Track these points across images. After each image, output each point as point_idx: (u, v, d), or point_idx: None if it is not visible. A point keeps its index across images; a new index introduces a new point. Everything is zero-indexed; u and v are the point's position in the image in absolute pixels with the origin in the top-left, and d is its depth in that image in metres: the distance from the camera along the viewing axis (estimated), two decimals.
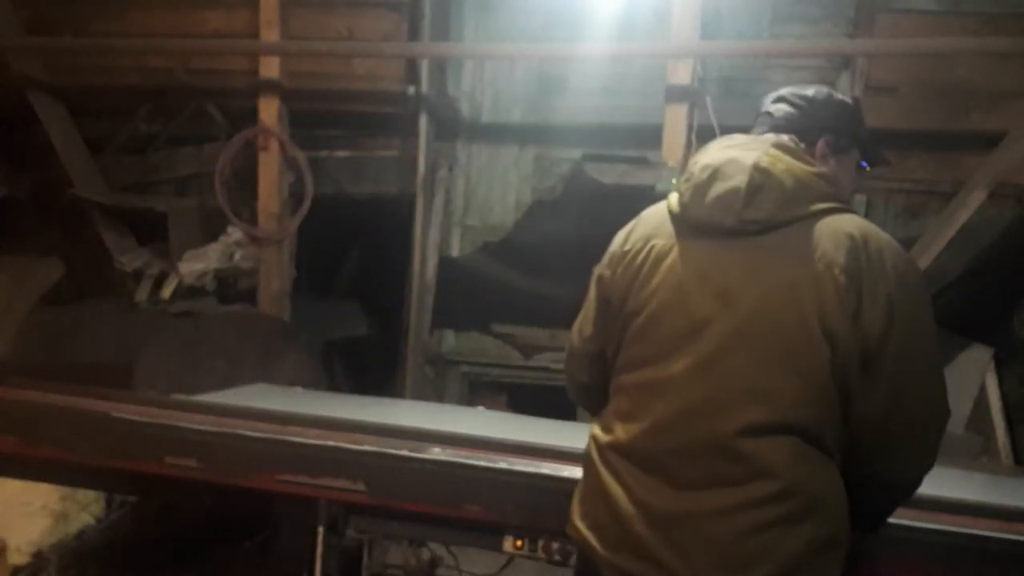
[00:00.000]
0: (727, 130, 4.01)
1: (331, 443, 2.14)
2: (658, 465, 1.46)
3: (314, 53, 4.15)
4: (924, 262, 3.35)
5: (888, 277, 1.40)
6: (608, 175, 4.31)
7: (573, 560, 1.99)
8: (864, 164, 1.69)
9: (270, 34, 4.05)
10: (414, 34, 4.18)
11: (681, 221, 1.54)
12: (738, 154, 1.50)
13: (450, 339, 4.62)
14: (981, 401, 3.76)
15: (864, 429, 1.43)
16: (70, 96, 4.39)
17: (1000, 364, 3.79)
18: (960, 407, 3.79)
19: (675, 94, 3.55)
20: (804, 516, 1.39)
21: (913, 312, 1.42)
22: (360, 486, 2.07)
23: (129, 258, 4.25)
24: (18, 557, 3.06)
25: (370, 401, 3.27)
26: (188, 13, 4.26)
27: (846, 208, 1.50)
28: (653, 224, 1.61)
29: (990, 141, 3.41)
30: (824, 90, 1.66)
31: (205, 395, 2.72)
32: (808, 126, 1.60)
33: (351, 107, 4.30)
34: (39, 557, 3.09)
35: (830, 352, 1.38)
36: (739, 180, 1.46)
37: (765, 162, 1.47)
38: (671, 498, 1.43)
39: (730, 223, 1.46)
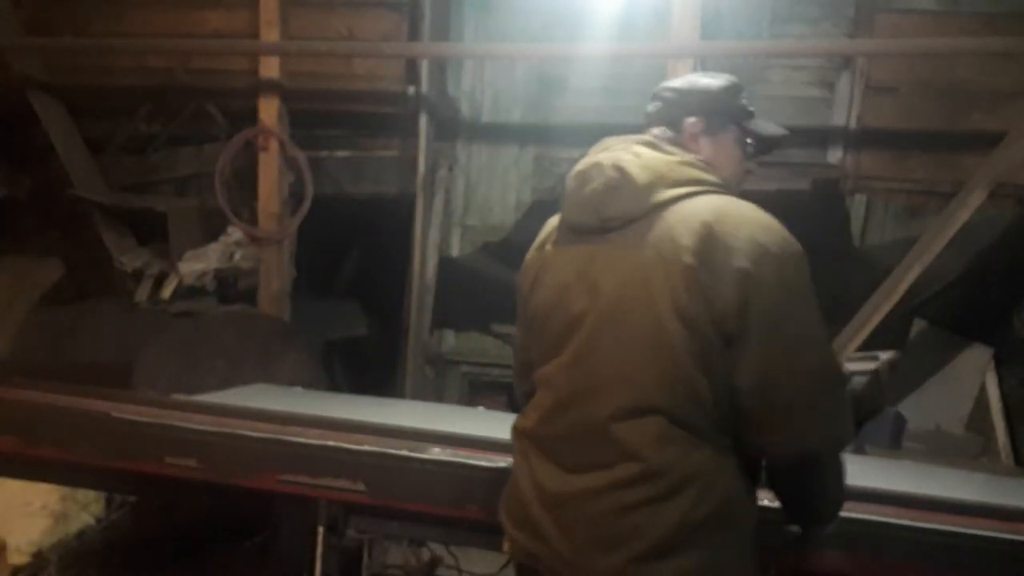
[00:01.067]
0: None
1: (331, 443, 2.14)
2: (550, 450, 1.57)
3: (314, 53, 4.15)
4: (924, 262, 3.35)
5: (741, 251, 1.43)
6: None
7: None
8: (751, 141, 1.70)
9: (270, 34, 4.05)
10: (414, 34, 4.19)
11: (563, 225, 1.65)
12: (602, 157, 1.60)
13: (450, 339, 4.62)
14: (981, 401, 3.76)
15: (746, 404, 1.45)
16: (70, 96, 4.40)
17: (1000, 364, 3.79)
18: (960, 407, 3.79)
19: None
20: (673, 495, 1.44)
21: (774, 283, 1.43)
22: (360, 486, 2.07)
23: (129, 258, 4.25)
24: (18, 557, 3.06)
25: (370, 401, 3.27)
26: (188, 13, 4.26)
27: (714, 189, 1.54)
28: (548, 231, 1.71)
29: (990, 141, 3.41)
30: (692, 78, 1.74)
31: (205, 395, 2.72)
32: (675, 114, 1.66)
33: (351, 107, 4.31)
34: (39, 557, 3.09)
35: (686, 333, 1.43)
36: (599, 182, 1.56)
37: (623, 161, 1.55)
38: (559, 481, 1.53)
39: (594, 223, 1.56)
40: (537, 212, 4.46)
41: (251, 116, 4.15)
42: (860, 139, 4.06)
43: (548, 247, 1.66)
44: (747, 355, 1.42)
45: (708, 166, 1.59)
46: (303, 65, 4.17)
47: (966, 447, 3.67)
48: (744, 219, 1.48)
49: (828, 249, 4.08)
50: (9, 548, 3.05)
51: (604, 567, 1.46)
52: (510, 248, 4.48)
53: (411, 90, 4.22)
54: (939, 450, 3.61)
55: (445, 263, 4.53)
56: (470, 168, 4.56)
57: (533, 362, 1.66)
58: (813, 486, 1.58)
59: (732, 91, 1.70)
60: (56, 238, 4.61)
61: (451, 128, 4.51)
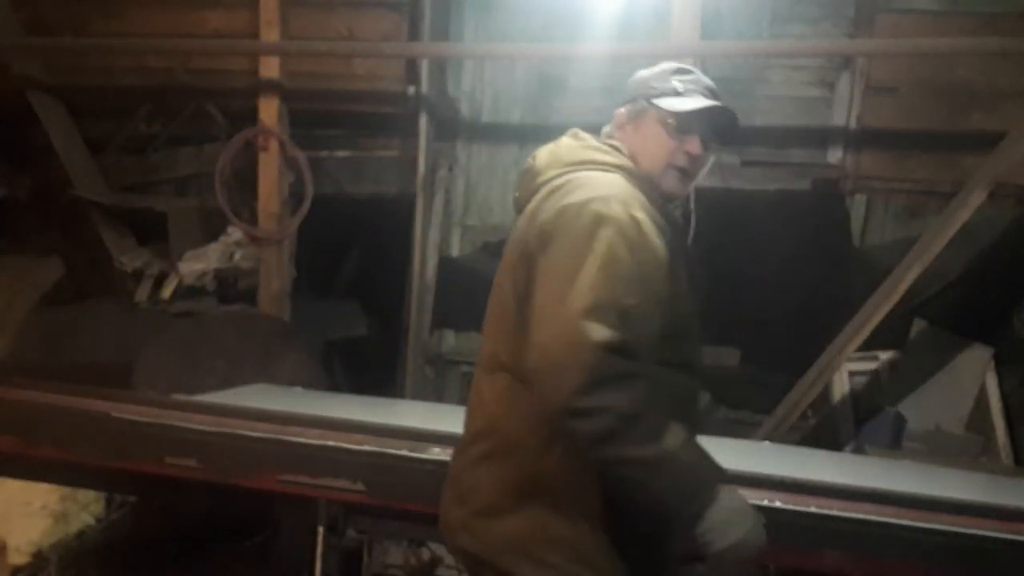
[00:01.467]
0: None
1: (331, 443, 2.14)
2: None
3: (314, 53, 4.15)
4: (924, 262, 3.35)
5: (551, 209, 1.47)
6: None
7: None
8: (672, 121, 1.64)
9: (270, 34, 4.05)
10: (414, 34, 4.18)
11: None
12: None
13: (450, 339, 4.62)
14: (981, 401, 3.76)
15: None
16: (70, 96, 4.40)
17: (1000, 364, 3.79)
18: (960, 407, 3.79)
19: None
20: (505, 453, 1.48)
21: (559, 238, 1.42)
22: (360, 486, 2.07)
23: (129, 258, 4.25)
24: (18, 557, 3.06)
25: (370, 401, 3.27)
26: (188, 13, 4.26)
27: (604, 168, 1.57)
28: None
29: (990, 141, 3.41)
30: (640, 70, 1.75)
31: (205, 395, 2.72)
32: (614, 109, 1.75)
33: (351, 107, 4.30)
34: (39, 557, 3.09)
35: (512, 291, 1.51)
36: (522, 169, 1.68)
37: (541, 150, 1.66)
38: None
39: (513, 204, 1.71)
40: None
41: (251, 116, 4.15)
42: (860, 139, 4.05)
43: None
44: (526, 319, 1.42)
45: (615, 149, 1.63)
46: (303, 65, 4.17)
47: (966, 447, 3.67)
48: (579, 187, 1.49)
49: (828, 249, 4.09)
50: (9, 548, 3.05)
51: (455, 520, 1.54)
52: None
53: (411, 90, 4.22)
54: (939, 450, 3.61)
55: (445, 263, 4.53)
56: (470, 168, 4.56)
57: None
58: (606, 455, 1.35)
59: (659, 75, 1.70)
60: (56, 238, 4.61)
61: (451, 128, 4.51)
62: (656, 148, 1.63)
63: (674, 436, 1.33)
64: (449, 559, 2.81)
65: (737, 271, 4.08)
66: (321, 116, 4.32)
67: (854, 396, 3.92)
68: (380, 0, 4.15)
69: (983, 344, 3.80)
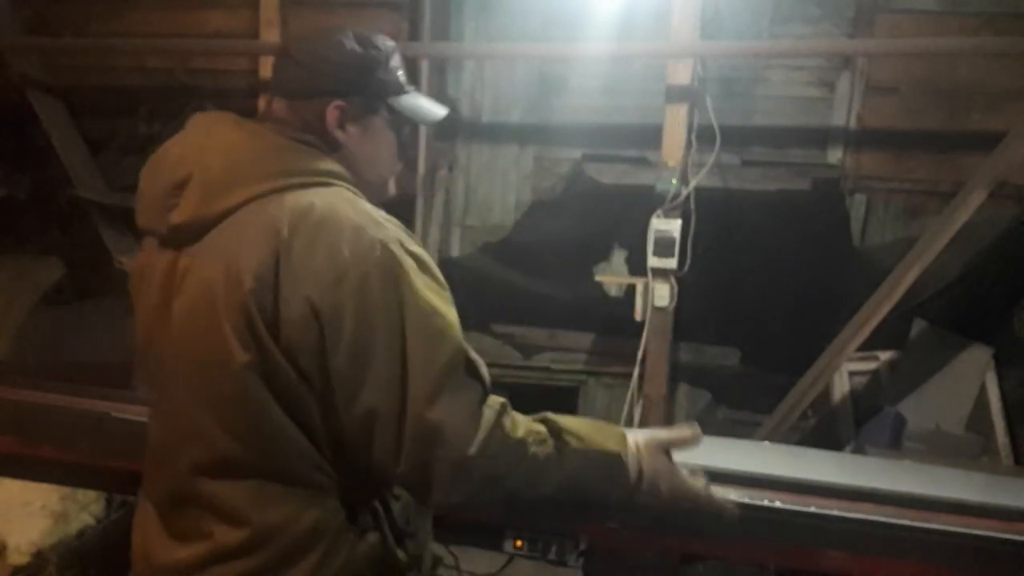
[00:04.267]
0: (727, 130, 4.04)
1: None
2: (159, 511, 1.30)
3: None
4: (924, 262, 3.35)
5: (312, 274, 1.12)
6: (608, 175, 4.31)
7: (573, 560, 2.00)
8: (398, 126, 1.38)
9: (270, 34, 4.05)
10: (414, 34, 4.19)
11: (144, 231, 1.29)
12: (179, 138, 1.28)
13: None
14: (981, 401, 3.76)
15: (359, 440, 1.17)
16: (70, 96, 4.39)
17: (1000, 364, 3.79)
18: (960, 407, 3.79)
19: (675, 94, 3.55)
20: (288, 564, 1.21)
21: (354, 307, 1.12)
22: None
23: (129, 258, 4.25)
24: (18, 557, 3.06)
25: None
26: (188, 13, 4.26)
27: (317, 181, 1.21)
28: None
29: (990, 141, 3.41)
30: (337, 39, 1.35)
31: None
32: (314, 88, 1.29)
33: None
34: (39, 557, 3.09)
35: (259, 372, 1.15)
36: (166, 176, 1.22)
37: (196, 145, 1.24)
38: (167, 549, 1.27)
39: (162, 231, 1.22)
40: (537, 212, 4.47)
41: (251, 116, 4.14)
42: (860, 139, 4.05)
43: (142, 254, 1.32)
44: (338, 391, 1.14)
45: (317, 150, 1.25)
46: None
47: (966, 447, 3.67)
48: (324, 228, 1.14)
49: (828, 249, 4.09)
50: (9, 548, 3.05)
51: None
52: (510, 248, 4.48)
53: (411, 90, 4.22)
54: (939, 450, 3.61)
55: (445, 263, 4.53)
56: (470, 168, 4.56)
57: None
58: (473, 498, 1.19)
59: (383, 61, 1.36)
60: (56, 238, 4.61)
61: (451, 128, 4.51)
62: (388, 155, 1.36)
63: (563, 451, 1.23)
64: (449, 559, 2.81)
65: (737, 271, 4.09)
66: None
67: (854, 396, 3.92)
68: (380, 0, 4.15)
69: (983, 344, 3.80)
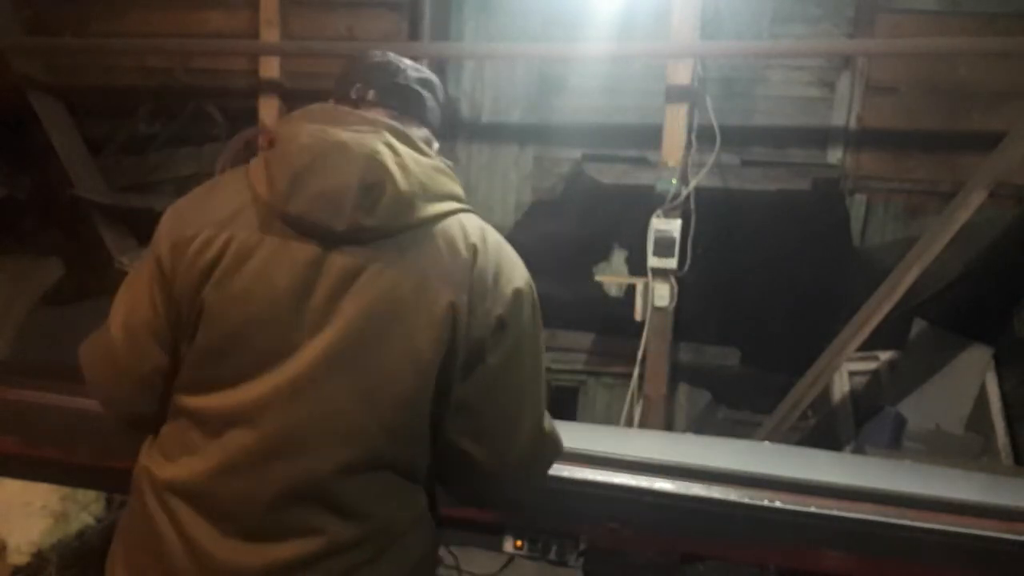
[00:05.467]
0: (727, 130, 4.04)
1: None
2: (226, 510, 1.23)
3: (314, 53, 4.15)
4: (924, 262, 3.36)
5: (503, 296, 1.28)
6: (608, 175, 4.31)
7: (573, 560, 1.99)
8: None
9: (270, 34, 4.05)
10: (414, 34, 4.18)
11: (272, 212, 1.24)
12: (347, 138, 1.25)
13: None
14: (981, 401, 3.76)
15: (475, 454, 1.32)
16: (70, 96, 4.39)
17: (1000, 364, 3.79)
18: (960, 407, 3.79)
19: (675, 94, 3.55)
20: (386, 550, 1.29)
21: (521, 330, 1.30)
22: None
23: (129, 258, 4.25)
24: (18, 557, 3.06)
25: None
26: (188, 13, 4.26)
27: (467, 208, 1.35)
28: (230, 208, 1.27)
29: (990, 141, 3.41)
30: (416, 65, 1.51)
31: None
32: (441, 128, 1.46)
33: None
34: (39, 557, 3.09)
35: (435, 374, 1.24)
36: (351, 175, 1.21)
37: (383, 153, 1.24)
38: (241, 551, 1.22)
39: (340, 228, 1.21)
40: (537, 212, 4.47)
41: (251, 116, 4.15)
42: (860, 139, 4.06)
43: (239, 233, 1.24)
44: (490, 410, 1.30)
45: (456, 180, 1.37)
46: (303, 65, 4.17)
47: (966, 447, 3.67)
48: (505, 257, 1.34)
49: (828, 249, 4.09)
50: (9, 548, 3.05)
51: None
52: None
53: None
54: (939, 450, 3.61)
55: None
56: (470, 168, 4.56)
57: (192, 378, 1.27)
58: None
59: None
60: (56, 238, 4.61)
61: (451, 128, 4.51)
62: None
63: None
64: (449, 559, 2.82)
65: (737, 271, 4.09)
66: None
67: (854, 396, 3.92)
68: (380, 0, 4.15)
69: (983, 344, 3.80)
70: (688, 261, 3.62)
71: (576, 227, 4.36)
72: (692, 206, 3.63)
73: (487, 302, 1.26)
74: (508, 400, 1.31)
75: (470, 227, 1.32)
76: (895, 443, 3.66)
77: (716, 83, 3.99)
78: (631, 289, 3.83)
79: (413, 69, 1.48)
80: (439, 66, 4.36)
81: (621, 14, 3.96)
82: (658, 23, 3.79)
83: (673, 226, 3.55)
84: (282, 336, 1.22)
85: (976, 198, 3.28)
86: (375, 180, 1.22)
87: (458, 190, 1.34)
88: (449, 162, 1.38)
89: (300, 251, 1.22)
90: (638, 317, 3.67)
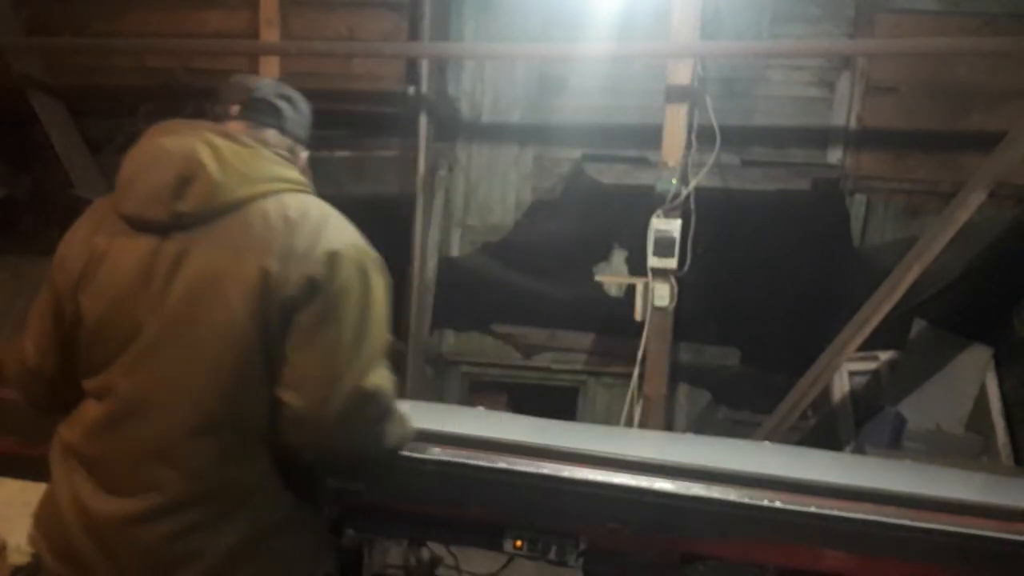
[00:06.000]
0: (727, 130, 4.04)
1: None
2: (97, 468, 1.43)
3: (314, 53, 4.15)
4: (924, 262, 3.36)
5: (315, 259, 1.37)
6: (608, 175, 4.31)
7: (573, 560, 2.00)
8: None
9: (270, 34, 4.05)
10: (414, 34, 4.19)
11: (117, 216, 1.47)
12: (170, 144, 1.44)
13: (450, 339, 4.62)
14: (981, 401, 3.76)
15: (300, 412, 1.37)
16: (70, 96, 4.40)
17: (1000, 364, 3.79)
18: (960, 407, 3.79)
19: (675, 94, 3.56)
20: (233, 512, 1.40)
21: (337, 289, 1.38)
22: (360, 486, 2.07)
23: None
24: (18, 557, 3.06)
25: None
26: (188, 13, 4.27)
27: (299, 188, 1.49)
28: (97, 220, 1.54)
29: (990, 141, 3.42)
30: (295, 93, 1.69)
31: None
32: (304, 137, 1.67)
33: (351, 107, 4.31)
34: (39, 557, 3.09)
35: (257, 336, 1.36)
36: (168, 172, 1.40)
37: (199, 150, 1.41)
38: (106, 504, 1.41)
39: (162, 217, 1.40)
40: (537, 212, 4.47)
41: None
42: (860, 139, 4.06)
43: (100, 239, 1.48)
44: (304, 362, 1.36)
45: (282, 158, 1.52)
46: (303, 65, 4.17)
47: (966, 447, 3.67)
48: (322, 223, 1.42)
49: (828, 249, 4.09)
50: (9, 548, 3.05)
51: None
52: (510, 248, 4.48)
53: (411, 90, 4.23)
54: (939, 450, 3.62)
55: (445, 263, 4.53)
56: (470, 168, 4.56)
57: (78, 369, 1.49)
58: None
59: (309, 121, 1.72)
60: (56, 238, 4.59)
61: (451, 128, 4.51)
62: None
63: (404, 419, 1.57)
64: (449, 559, 2.82)
65: (737, 271, 4.09)
66: (321, 116, 4.29)
67: (854, 396, 3.93)
68: (380, 0, 4.16)
69: (983, 344, 3.80)
70: (688, 261, 3.63)
71: (576, 227, 4.36)
72: (692, 206, 3.63)
73: (298, 265, 1.36)
74: (324, 354, 1.36)
75: (290, 203, 1.43)
76: (895, 443, 3.66)
77: (716, 83, 3.99)
78: (631, 289, 3.83)
79: (272, 86, 1.67)
80: (439, 66, 4.37)
81: (621, 14, 3.96)
82: (658, 23, 3.79)
83: (673, 226, 3.55)
84: (131, 320, 1.40)
85: (976, 198, 3.29)
86: (189, 173, 1.40)
87: (287, 173, 1.48)
88: (285, 154, 1.54)
89: (140, 245, 1.42)
90: (638, 317, 3.67)
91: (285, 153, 1.54)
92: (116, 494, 1.40)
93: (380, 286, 1.45)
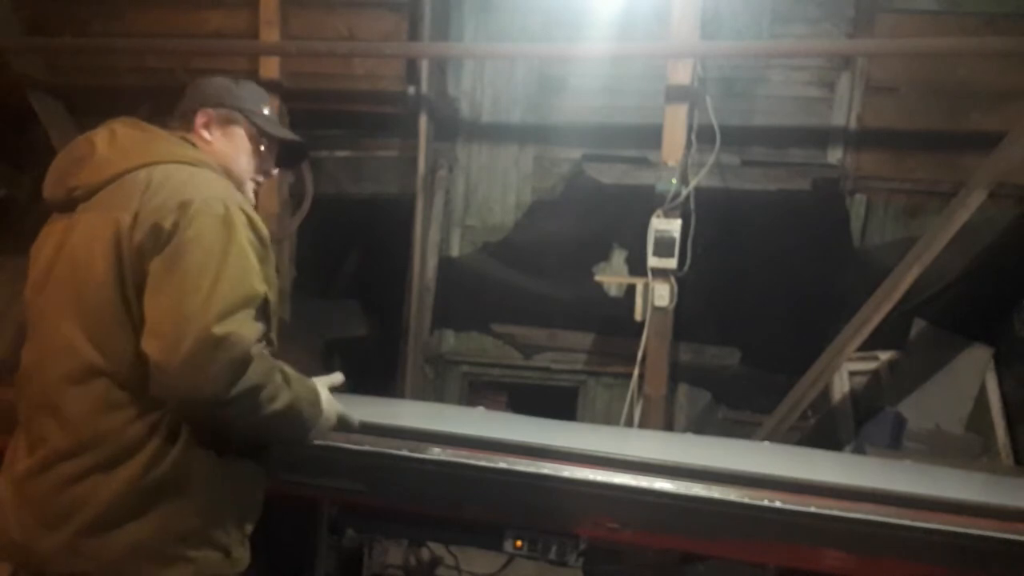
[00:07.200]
0: (727, 130, 4.04)
1: (331, 443, 2.14)
2: (21, 428, 1.54)
3: (314, 53, 4.15)
4: (924, 262, 3.36)
5: (165, 207, 1.42)
6: (608, 175, 4.31)
7: (573, 560, 2.00)
8: (264, 139, 1.74)
9: (270, 34, 4.05)
10: (414, 34, 4.18)
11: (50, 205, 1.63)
12: (81, 136, 1.60)
13: (450, 339, 4.62)
14: (981, 401, 3.76)
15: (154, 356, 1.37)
16: (70, 96, 4.40)
17: (1000, 364, 3.79)
18: (960, 407, 3.79)
19: (675, 94, 3.56)
20: (117, 463, 1.41)
21: (183, 237, 1.39)
22: (360, 486, 2.07)
23: None
24: None
25: (370, 401, 3.27)
26: (188, 13, 4.26)
27: (186, 161, 1.54)
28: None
29: (990, 141, 3.42)
30: (213, 77, 1.80)
31: None
32: (187, 107, 1.71)
33: (351, 107, 4.31)
34: None
35: (119, 290, 1.42)
36: (68, 158, 1.58)
37: (95, 136, 1.57)
38: (21, 462, 1.49)
39: (60, 195, 1.56)
40: (537, 212, 4.47)
41: None
42: (860, 139, 4.06)
43: (43, 229, 1.63)
44: (155, 307, 1.39)
45: (189, 142, 1.61)
46: (303, 65, 4.17)
47: (966, 447, 3.67)
48: (185, 181, 1.47)
49: (828, 249, 4.09)
50: None
51: (50, 545, 1.41)
52: (510, 248, 4.48)
53: (411, 90, 4.22)
54: (939, 450, 3.62)
55: (445, 263, 4.53)
56: (470, 168, 4.57)
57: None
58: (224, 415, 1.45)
59: (253, 94, 1.79)
60: None
61: (451, 128, 4.51)
62: (245, 160, 1.71)
63: (289, 382, 1.51)
64: (449, 559, 2.82)
65: (737, 271, 4.09)
66: (321, 116, 4.32)
67: (854, 396, 3.93)
68: (380, 0, 4.15)
69: (983, 344, 3.80)
70: (688, 261, 3.62)
71: (576, 227, 4.36)
72: (692, 206, 3.63)
73: (148, 215, 1.42)
74: (170, 299, 1.37)
75: (169, 172, 1.50)
76: (895, 443, 3.66)
77: (716, 83, 3.99)
78: (631, 289, 3.83)
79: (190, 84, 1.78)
80: (439, 66, 4.37)
81: (621, 14, 3.97)
82: (658, 23, 3.79)
83: (673, 226, 3.55)
84: (36, 288, 1.55)
85: (976, 198, 3.28)
86: (81, 154, 1.56)
87: (179, 151, 1.56)
88: (185, 135, 1.64)
89: (56, 226, 1.57)
90: (638, 317, 3.67)
91: (179, 139, 1.61)
92: (28, 451, 1.49)
93: (242, 237, 1.44)
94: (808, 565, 1.80)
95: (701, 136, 3.72)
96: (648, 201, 3.62)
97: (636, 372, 3.68)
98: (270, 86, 4.08)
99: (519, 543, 2.02)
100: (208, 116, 1.69)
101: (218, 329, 1.35)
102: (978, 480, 2.67)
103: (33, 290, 1.58)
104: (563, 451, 2.05)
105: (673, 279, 3.60)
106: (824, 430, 3.91)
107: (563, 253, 4.39)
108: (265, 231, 1.52)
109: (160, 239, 1.40)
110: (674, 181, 3.53)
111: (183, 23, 4.26)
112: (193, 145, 1.62)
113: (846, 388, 3.92)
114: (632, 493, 1.83)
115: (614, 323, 4.21)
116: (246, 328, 1.40)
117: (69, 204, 1.54)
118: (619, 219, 4.24)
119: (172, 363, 1.34)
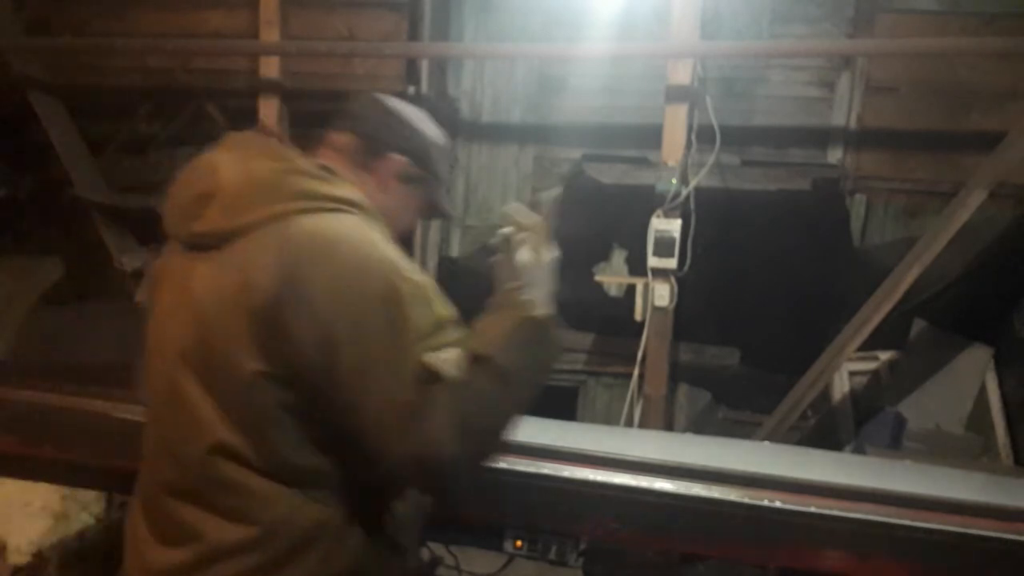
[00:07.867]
0: (727, 130, 4.03)
1: None
2: (151, 513, 1.34)
3: (314, 53, 4.15)
4: (924, 262, 3.35)
5: (317, 298, 1.19)
6: (608, 175, 4.31)
7: (573, 560, 2.00)
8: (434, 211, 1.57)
9: (270, 34, 4.04)
10: (414, 34, 4.18)
11: (169, 235, 1.39)
12: (204, 159, 1.36)
13: None
14: (981, 401, 3.76)
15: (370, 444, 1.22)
16: (70, 96, 4.39)
17: (1000, 364, 3.79)
18: (960, 407, 3.79)
19: (675, 94, 3.55)
20: (291, 559, 1.25)
21: (354, 331, 1.20)
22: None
23: (129, 258, 4.25)
24: (18, 557, 3.06)
25: None
26: (188, 13, 4.26)
27: (335, 207, 1.29)
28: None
29: (990, 141, 3.41)
30: (411, 109, 1.58)
31: None
32: (374, 136, 1.48)
33: None
34: (39, 557, 3.09)
35: (268, 380, 1.21)
36: (195, 187, 1.32)
37: (222, 163, 1.32)
38: (156, 551, 1.32)
39: (184, 237, 1.32)
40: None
41: (251, 116, 4.14)
42: (860, 139, 4.06)
43: (160, 260, 1.41)
44: (344, 399, 1.20)
45: (338, 178, 1.35)
46: (303, 65, 4.17)
47: (966, 447, 3.67)
48: (330, 252, 1.22)
49: (828, 249, 4.09)
50: (9, 548, 3.05)
51: None
52: None
53: (411, 90, 4.22)
54: (939, 450, 3.61)
55: (445, 263, 4.53)
56: (470, 168, 4.56)
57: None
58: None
59: (442, 150, 1.57)
60: (56, 238, 4.61)
61: (451, 128, 4.51)
62: (409, 220, 1.53)
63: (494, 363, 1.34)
64: (449, 559, 2.82)
65: (737, 271, 4.09)
66: (321, 116, 4.30)
67: (854, 396, 3.92)
68: (380, 0, 4.15)
69: (983, 344, 3.80)
70: (688, 261, 3.62)
71: (576, 227, 4.35)
72: (692, 206, 3.63)
73: (303, 304, 1.20)
74: (358, 396, 1.20)
75: (306, 225, 1.25)
76: (895, 443, 3.66)
77: (716, 83, 3.99)
78: (631, 289, 3.83)
79: (372, 97, 1.60)
80: (439, 66, 4.37)
81: (621, 14, 3.96)
82: (658, 23, 3.79)
83: (673, 226, 3.54)
84: (162, 345, 1.33)
85: (976, 198, 3.28)
86: (206, 190, 1.30)
87: (316, 188, 1.30)
88: (325, 163, 1.39)
89: (176, 266, 1.34)
90: (638, 317, 3.67)
91: (321, 171, 1.35)
92: (164, 543, 1.30)
93: (407, 308, 1.24)
94: (808, 565, 1.80)
95: (701, 136, 3.72)
96: (648, 201, 3.62)
97: (636, 372, 3.68)
98: (270, 86, 4.09)
99: (519, 543, 2.02)
100: (402, 167, 1.46)
101: (413, 395, 1.18)
102: (978, 480, 2.67)
103: (156, 338, 1.36)
104: (563, 451, 2.05)
105: (673, 279, 3.60)
106: (824, 430, 3.91)
107: (563, 253, 4.38)
108: (418, 277, 1.31)
109: (322, 351, 1.19)
110: (674, 181, 3.53)
111: (183, 23, 4.26)
112: (333, 172, 1.36)
113: (846, 388, 3.92)
114: (632, 493, 1.83)
115: (614, 323, 4.21)
116: (440, 383, 1.21)
117: (193, 246, 1.32)
118: (619, 219, 4.24)
119: (404, 442, 1.18)
